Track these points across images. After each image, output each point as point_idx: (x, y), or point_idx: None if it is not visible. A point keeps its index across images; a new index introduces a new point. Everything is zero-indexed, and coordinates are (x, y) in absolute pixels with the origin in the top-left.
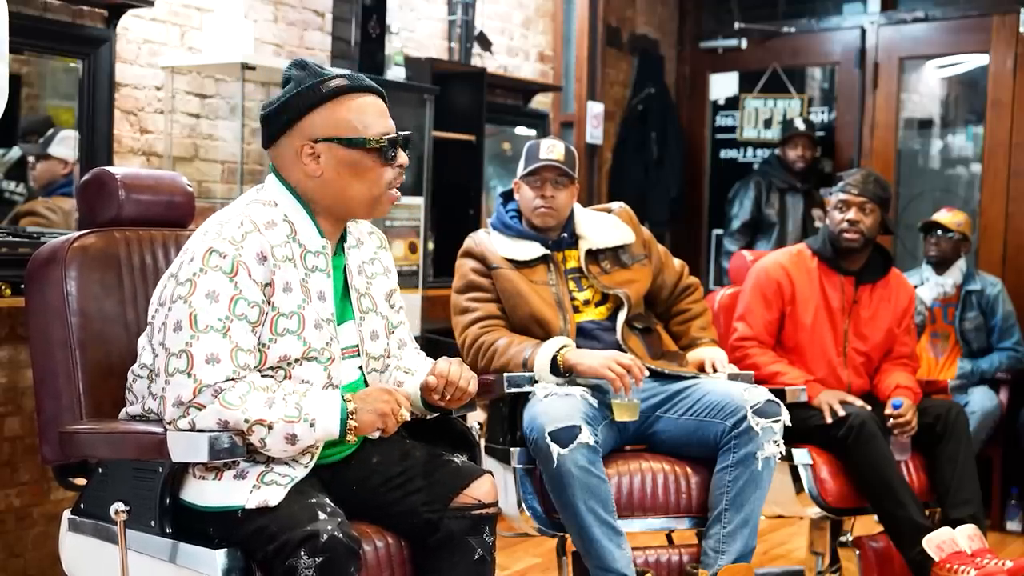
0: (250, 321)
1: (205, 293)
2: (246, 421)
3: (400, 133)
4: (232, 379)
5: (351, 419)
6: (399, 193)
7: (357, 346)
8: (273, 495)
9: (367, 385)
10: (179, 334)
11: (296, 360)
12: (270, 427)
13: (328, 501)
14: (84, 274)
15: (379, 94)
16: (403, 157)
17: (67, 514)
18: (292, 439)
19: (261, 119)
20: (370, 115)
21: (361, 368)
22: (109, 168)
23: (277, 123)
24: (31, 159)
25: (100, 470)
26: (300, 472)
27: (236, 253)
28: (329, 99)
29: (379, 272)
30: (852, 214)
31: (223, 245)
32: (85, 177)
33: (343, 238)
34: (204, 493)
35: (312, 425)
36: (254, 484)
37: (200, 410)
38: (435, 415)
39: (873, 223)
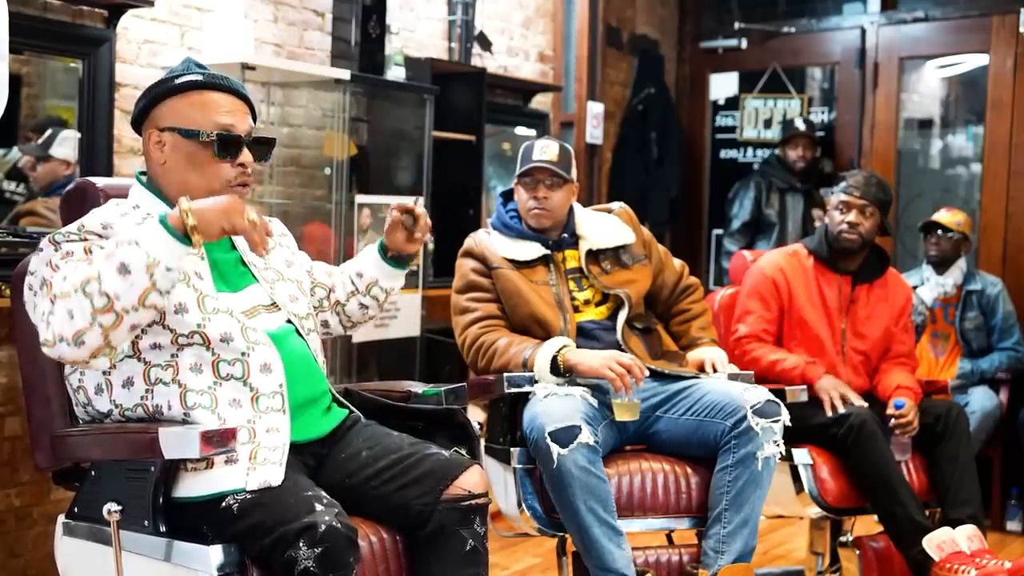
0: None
1: (60, 257)
2: (76, 291)
3: (243, 134)
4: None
5: (188, 217)
6: (244, 191)
7: (274, 303)
8: (273, 474)
9: (301, 336)
10: (44, 288)
11: (205, 316)
12: (99, 278)
13: (323, 492)
14: None
15: (236, 93)
16: (245, 156)
17: (61, 519)
18: (123, 268)
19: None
20: (212, 110)
21: (291, 322)
22: (91, 178)
23: (136, 109)
24: (31, 159)
25: (93, 473)
26: (284, 435)
27: (79, 227)
28: (179, 92)
29: (272, 246)
30: (852, 216)
31: (70, 227)
32: (68, 188)
33: None
34: (198, 484)
35: (136, 243)
36: (248, 466)
37: (52, 313)
38: (397, 268)
39: (872, 226)
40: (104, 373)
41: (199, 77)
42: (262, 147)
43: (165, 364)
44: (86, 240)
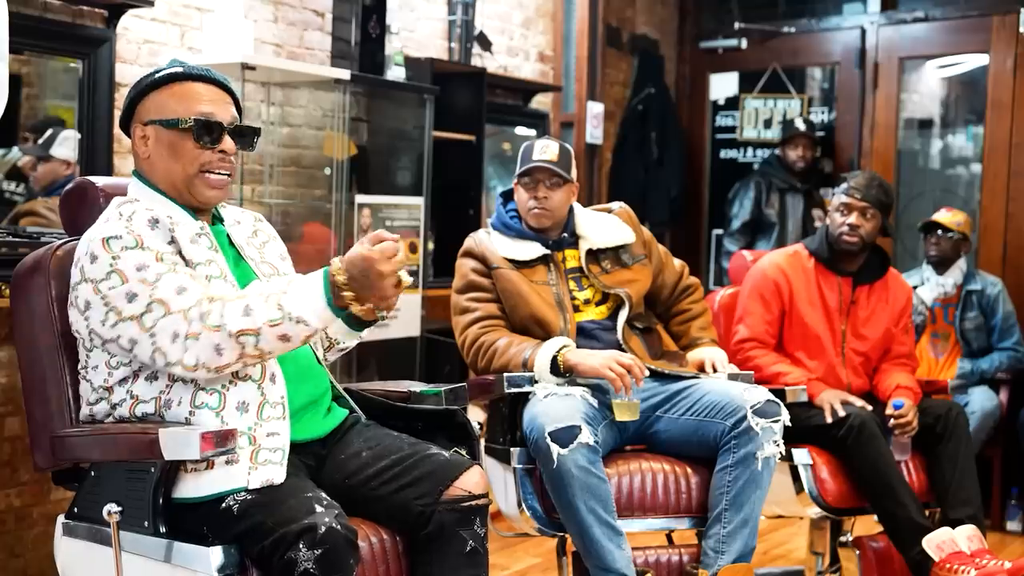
0: (181, 266)
1: (136, 268)
2: (230, 335)
3: (225, 122)
4: (207, 298)
5: (345, 297)
6: (221, 177)
7: None
8: (275, 474)
9: None
10: (136, 300)
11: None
12: (257, 333)
13: (324, 494)
14: (68, 280)
15: (218, 84)
16: (226, 143)
17: (61, 519)
18: (285, 338)
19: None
20: (192, 99)
21: None
22: (90, 178)
23: (123, 110)
24: (31, 159)
25: (93, 473)
26: (284, 438)
27: (128, 229)
28: (159, 85)
29: (266, 241)
30: (853, 218)
31: (114, 229)
32: (67, 187)
33: (220, 219)
34: (198, 485)
35: (301, 323)
36: (250, 466)
37: (196, 339)
38: (350, 327)
39: (873, 228)
40: (134, 367)
41: (179, 69)
42: (246, 137)
43: None
44: (142, 244)
